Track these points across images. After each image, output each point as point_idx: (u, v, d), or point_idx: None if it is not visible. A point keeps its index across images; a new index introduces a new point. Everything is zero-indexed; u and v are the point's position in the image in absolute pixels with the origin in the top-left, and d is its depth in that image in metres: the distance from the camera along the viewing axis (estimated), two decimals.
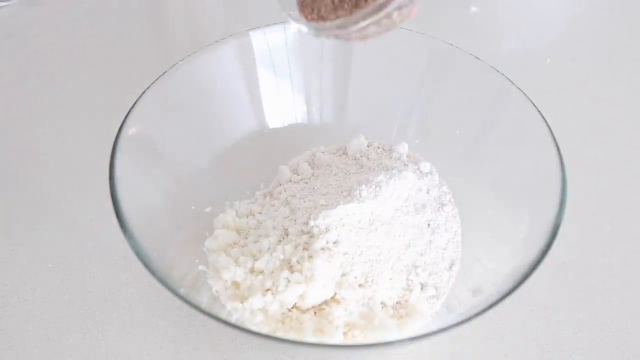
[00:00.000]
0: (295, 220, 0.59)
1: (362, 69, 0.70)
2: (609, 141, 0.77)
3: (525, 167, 0.59)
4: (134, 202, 0.51)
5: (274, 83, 0.69)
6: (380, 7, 0.45)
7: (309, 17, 0.49)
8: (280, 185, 0.66)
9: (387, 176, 0.61)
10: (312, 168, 0.67)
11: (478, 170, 0.64)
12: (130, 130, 0.55)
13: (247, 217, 0.62)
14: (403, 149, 0.68)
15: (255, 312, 0.52)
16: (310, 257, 0.54)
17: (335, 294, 0.54)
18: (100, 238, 0.64)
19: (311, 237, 0.55)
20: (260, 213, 0.63)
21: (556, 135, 0.56)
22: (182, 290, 0.46)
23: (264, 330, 0.51)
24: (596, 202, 0.69)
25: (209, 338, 0.56)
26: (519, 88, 0.60)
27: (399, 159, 0.68)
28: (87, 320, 0.57)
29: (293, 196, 0.63)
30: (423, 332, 0.47)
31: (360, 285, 0.54)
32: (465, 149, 0.66)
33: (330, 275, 0.53)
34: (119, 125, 0.55)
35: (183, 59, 0.62)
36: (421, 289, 0.57)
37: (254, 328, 0.48)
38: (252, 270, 0.55)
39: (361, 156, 0.68)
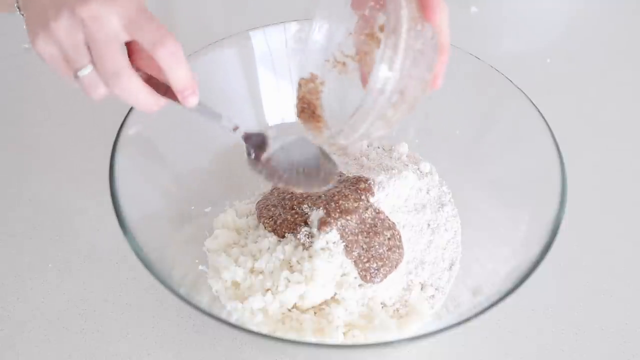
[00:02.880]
0: None
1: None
2: (609, 141, 0.77)
3: (525, 167, 0.59)
4: (134, 202, 0.51)
5: (274, 82, 0.69)
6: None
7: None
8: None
9: (387, 176, 0.61)
10: None
11: (478, 170, 0.64)
12: (130, 130, 0.55)
13: (247, 217, 0.62)
14: (403, 149, 0.68)
15: (255, 312, 0.52)
16: (310, 257, 0.54)
17: (335, 294, 0.54)
18: (100, 238, 0.64)
19: (311, 237, 0.55)
20: None
21: (556, 135, 0.56)
22: (182, 290, 0.46)
23: (264, 330, 0.51)
24: (596, 202, 0.69)
25: (209, 338, 0.56)
26: (519, 88, 0.60)
27: (399, 159, 0.68)
28: (87, 320, 0.57)
29: None
30: (423, 332, 0.47)
31: (360, 285, 0.54)
32: (465, 149, 0.65)
33: (330, 275, 0.53)
34: (119, 125, 0.55)
35: None
36: (421, 289, 0.57)
37: (254, 328, 0.48)
38: (252, 270, 0.55)
39: (361, 156, 0.68)
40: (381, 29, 0.51)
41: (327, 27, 0.53)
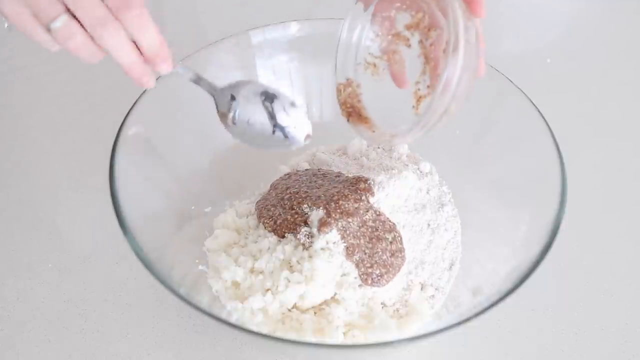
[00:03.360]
0: None
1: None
2: (609, 141, 0.77)
3: (525, 167, 0.59)
4: (134, 202, 0.51)
5: (274, 83, 0.69)
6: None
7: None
8: None
9: (387, 176, 0.61)
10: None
11: (478, 170, 0.64)
12: (130, 130, 0.55)
13: (247, 217, 0.62)
14: (403, 149, 0.68)
15: (255, 312, 0.52)
16: (310, 257, 0.54)
17: (335, 294, 0.54)
18: (100, 238, 0.64)
19: (311, 237, 0.55)
20: None
21: (556, 135, 0.56)
22: (182, 290, 0.46)
23: (264, 330, 0.51)
24: (596, 202, 0.69)
25: (209, 338, 0.56)
26: (519, 88, 0.60)
27: (399, 159, 0.68)
28: (87, 320, 0.57)
29: None
30: (423, 332, 0.47)
31: (360, 285, 0.54)
32: (465, 149, 0.65)
33: (330, 275, 0.53)
34: (119, 125, 0.55)
35: (183, 59, 0.62)
36: (421, 289, 0.57)
37: (254, 328, 0.48)
38: (252, 270, 0.55)
39: (361, 156, 0.68)
40: (407, 27, 0.54)
41: (357, 32, 0.57)
